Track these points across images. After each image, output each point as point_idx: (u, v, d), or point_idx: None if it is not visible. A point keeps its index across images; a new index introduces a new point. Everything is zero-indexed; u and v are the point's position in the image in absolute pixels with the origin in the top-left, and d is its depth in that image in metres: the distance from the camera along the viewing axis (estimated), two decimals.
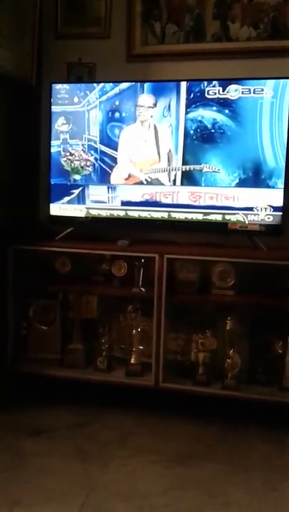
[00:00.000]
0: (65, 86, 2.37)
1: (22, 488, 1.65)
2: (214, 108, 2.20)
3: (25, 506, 1.56)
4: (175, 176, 2.28)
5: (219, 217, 2.24)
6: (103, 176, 2.36)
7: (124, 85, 2.29)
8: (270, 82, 2.14)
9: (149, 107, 2.25)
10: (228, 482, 1.73)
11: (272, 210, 2.18)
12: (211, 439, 2.03)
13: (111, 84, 2.31)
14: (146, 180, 2.29)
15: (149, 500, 1.61)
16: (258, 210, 2.20)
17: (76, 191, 2.38)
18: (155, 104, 2.25)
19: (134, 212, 2.33)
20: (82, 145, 2.36)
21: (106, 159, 2.35)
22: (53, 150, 2.39)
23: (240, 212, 2.22)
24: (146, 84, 2.27)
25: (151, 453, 1.90)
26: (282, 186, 2.16)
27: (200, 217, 2.26)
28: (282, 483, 1.74)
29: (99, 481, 1.71)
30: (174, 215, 2.29)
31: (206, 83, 2.20)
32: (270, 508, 1.60)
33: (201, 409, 2.20)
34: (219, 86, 2.19)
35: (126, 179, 2.33)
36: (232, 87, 2.18)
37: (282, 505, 1.62)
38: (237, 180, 2.21)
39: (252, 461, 1.88)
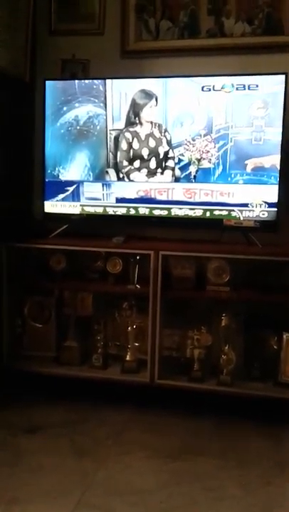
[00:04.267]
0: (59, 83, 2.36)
1: (18, 486, 1.65)
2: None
3: (21, 504, 1.57)
4: (171, 172, 2.27)
5: (214, 214, 2.24)
6: (98, 173, 2.35)
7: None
8: (265, 78, 2.13)
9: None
10: (223, 477, 1.74)
11: (267, 206, 2.18)
12: (206, 434, 2.04)
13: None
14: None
15: (145, 496, 1.62)
16: (252, 207, 2.20)
17: (71, 188, 2.38)
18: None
19: (129, 209, 2.32)
20: None
21: None
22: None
23: (235, 208, 2.22)
24: (140, 81, 2.26)
25: (147, 449, 1.91)
26: (277, 182, 2.16)
27: (195, 213, 2.26)
28: (277, 477, 1.75)
29: (94, 478, 1.71)
30: (169, 211, 2.28)
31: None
32: (265, 503, 1.61)
33: (197, 405, 2.20)
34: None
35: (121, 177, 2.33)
36: (227, 83, 2.18)
37: (276, 499, 1.63)
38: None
39: (247, 456, 1.89)
